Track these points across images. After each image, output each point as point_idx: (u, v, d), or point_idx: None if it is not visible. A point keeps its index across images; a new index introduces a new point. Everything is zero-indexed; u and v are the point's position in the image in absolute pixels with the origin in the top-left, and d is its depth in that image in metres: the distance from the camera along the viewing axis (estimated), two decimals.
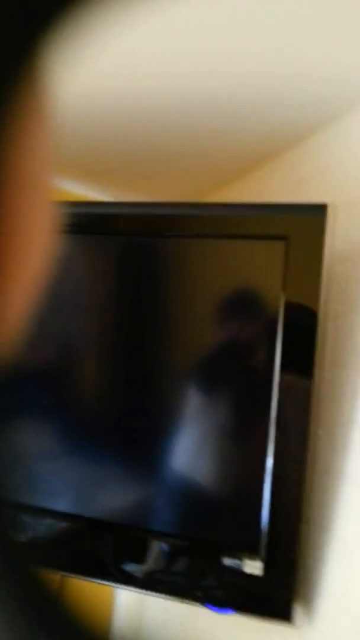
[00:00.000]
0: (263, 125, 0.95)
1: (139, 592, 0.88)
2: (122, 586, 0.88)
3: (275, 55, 0.76)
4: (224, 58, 0.77)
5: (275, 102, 0.88)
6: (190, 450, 0.85)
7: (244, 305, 0.83)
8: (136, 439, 0.89)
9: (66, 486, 0.92)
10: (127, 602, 1.35)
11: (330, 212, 0.77)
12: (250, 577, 0.78)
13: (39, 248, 0.18)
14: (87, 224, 0.90)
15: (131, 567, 0.87)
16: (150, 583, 0.85)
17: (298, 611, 0.77)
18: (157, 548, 0.86)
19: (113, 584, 0.90)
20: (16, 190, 0.16)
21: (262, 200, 0.86)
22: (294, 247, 0.78)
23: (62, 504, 0.91)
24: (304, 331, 0.77)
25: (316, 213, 0.77)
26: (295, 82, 0.82)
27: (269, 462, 0.77)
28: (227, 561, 0.80)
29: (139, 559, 0.86)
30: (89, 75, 0.85)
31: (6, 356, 0.18)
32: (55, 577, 0.96)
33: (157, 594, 0.86)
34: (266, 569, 0.78)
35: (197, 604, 0.82)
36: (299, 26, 0.69)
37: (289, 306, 0.77)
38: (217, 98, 0.88)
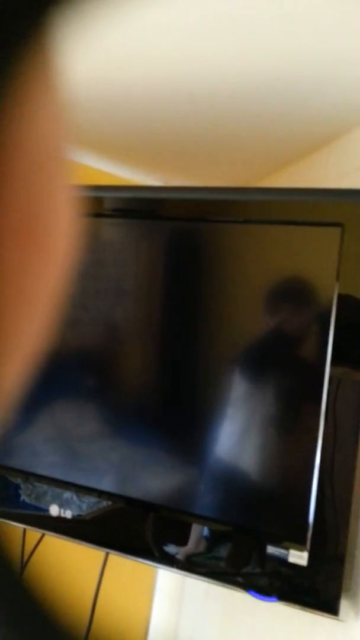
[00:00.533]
0: (318, 110, 0.92)
1: (180, 574, 0.88)
2: (163, 566, 0.89)
3: (331, 39, 0.73)
4: (280, 38, 0.74)
5: (330, 87, 0.85)
6: (237, 437, 0.85)
7: (296, 294, 0.81)
8: (181, 422, 0.89)
9: (110, 466, 0.93)
10: (167, 584, 1.36)
11: None
12: (296, 567, 0.78)
13: (61, 243, 0.17)
14: (136, 208, 0.90)
15: (173, 549, 0.87)
16: (191, 565, 0.86)
17: (344, 605, 0.76)
18: (199, 531, 0.86)
19: (154, 564, 0.91)
20: (28, 169, 0.14)
21: (316, 186, 0.84)
22: (350, 234, 0.75)
23: (106, 484, 0.92)
24: (357, 323, 0.75)
25: None
26: (351, 67, 0.79)
27: (318, 453, 0.76)
28: (272, 549, 0.80)
29: (181, 541, 0.87)
30: (140, 58, 0.83)
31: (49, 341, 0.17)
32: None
33: (198, 577, 0.86)
34: (312, 560, 0.77)
35: (240, 589, 0.82)
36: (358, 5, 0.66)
37: (342, 296, 0.75)
38: (271, 81, 0.85)
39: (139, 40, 0.79)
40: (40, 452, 0.98)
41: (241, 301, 0.86)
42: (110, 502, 0.92)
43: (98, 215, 0.92)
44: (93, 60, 0.86)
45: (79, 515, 0.94)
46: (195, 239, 0.88)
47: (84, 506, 0.94)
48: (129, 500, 0.91)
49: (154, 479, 0.90)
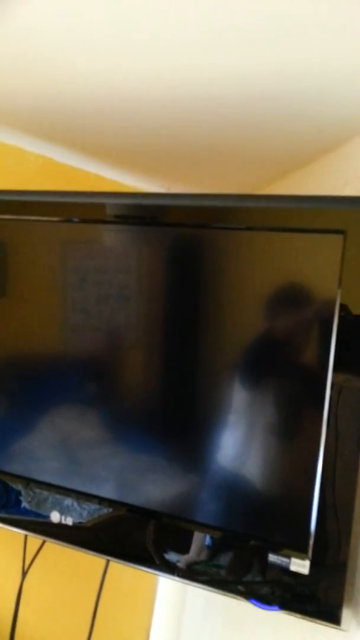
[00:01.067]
0: (320, 118, 0.92)
1: (181, 582, 0.88)
2: (164, 574, 0.88)
3: (333, 50, 0.74)
4: (282, 48, 0.75)
5: (333, 95, 0.85)
6: (238, 444, 0.84)
7: (298, 301, 0.81)
8: (183, 429, 0.89)
9: (111, 473, 0.93)
10: (168, 592, 1.36)
11: None
12: (298, 575, 0.77)
13: None
14: (139, 215, 0.90)
15: (174, 556, 0.87)
16: (192, 573, 0.85)
17: (346, 614, 0.76)
18: (200, 539, 0.86)
19: (155, 572, 0.90)
20: None
21: (319, 193, 0.84)
22: (352, 241, 0.75)
23: (107, 491, 0.92)
24: (359, 330, 0.75)
25: None
26: (354, 76, 0.79)
27: (320, 461, 0.76)
28: (273, 558, 0.79)
29: (182, 548, 0.86)
30: (143, 65, 0.84)
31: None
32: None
33: (199, 585, 0.86)
34: (314, 568, 0.76)
35: (241, 598, 0.82)
36: None
37: (345, 303, 0.75)
38: (274, 90, 0.85)
39: (142, 49, 0.80)
40: (41, 458, 0.98)
41: (243, 308, 0.86)
42: (111, 509, 0.92)
43: (100, 221, 0.92)
44: (93, 67, 0.87)
45: (80, 522, 0.93)
46: (198, 246, 0.89)
47: (85, 513, 0.94)
48: (130, 508, 0.90)
49: (155, 486, 0.90)
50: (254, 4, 0.67)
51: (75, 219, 0.94)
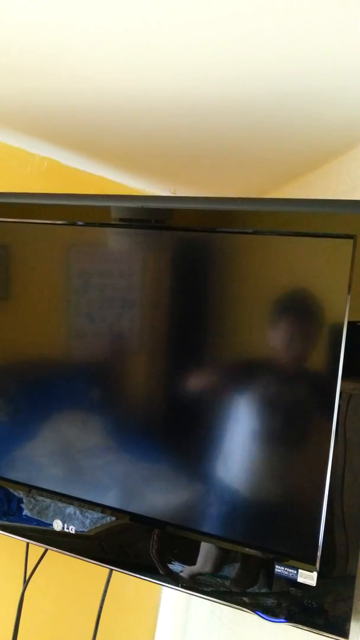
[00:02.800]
0: (330, 121, 0.91)
1: (185, 592, 0.86)
2: (168, 585, 0.87)
3: (344, 51, 0.72)
4: (291, 49, 0.73)
5: (343, 98, 0.84)
6: (245, 453, 0.83)
7: (306, 307, 0.80)
8: (187, 438, 0.87)
9: (114, 481, 0.92)
10: (172, 602, 1.34)
11: None
12: (305, 587, 0.76)
13: None
14: (144, 218, 0.89)
15: (178, 567, 0.85)
16: (196, 584, 0.84)
17: (354, 626, 0.74)
18: (205, 550, 0.84)
19: (159, 582, 0.88)
20: None
21: (329, 197, 0.83)
22: None
23: (110, 499, 0.91)
24: None
25: None
26: None
27: (328, 471, 0.74)
28: (280, 569, 0.78)
29: (187, 559, 0.85)
30: (148, 65, 0.83)
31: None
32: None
33: (204, 596, 0.84)
34: (322, 580, 0.75)
35: (247, 610, 0.80)
36: None
37: (354, 309, 0.74)
38: (283, 92, 0.84)
39: (148, 49, 0.79)
40: (43, 465, 0.96)
41: (250, 314, 0.84)
42: (114, 518, 0.90)
43: (105, 225, 0.91)
44: (98, 69, 0.86)
45: (82, 531, 0.92)
46: (204, 250, 0.87)
47: (87, 522, 0.92)
48: (134, 516, 0.89)
49: (159, 495, 0.88)
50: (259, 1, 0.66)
51: (80, 222, 0.93)
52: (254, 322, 0.84)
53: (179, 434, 0.88)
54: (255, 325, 0.84)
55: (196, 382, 0.87)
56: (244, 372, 0.84)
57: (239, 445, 0.83)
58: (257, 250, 0.82)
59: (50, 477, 0.95)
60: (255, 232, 0.82)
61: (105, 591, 1.01)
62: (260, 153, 1.08)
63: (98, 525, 0.92)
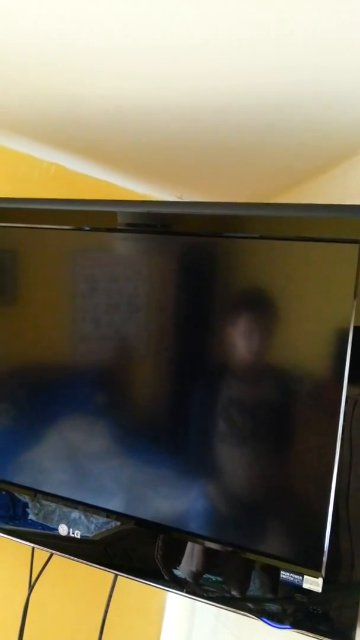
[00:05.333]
0: (336, 126, 0.91)
1: (190, 598, 0.86)
2: (173, 590, 0.87)
3: (351, 56, 0.72)
4: (297, 53, 0.74)
5: (350, 102, 0.84)
6: (250, 458, 0.82)
7: (312, 311, 0.80)
8: (192, 442, 0.87)
9: (119, 486, 0.92)
10: (177, 607, 1.33)
11: None
12: (310, 593, 0.75)
13: None
14: (150, 223, 0.89)
15: (183, 572, 0.85)
16: (201, 590, 0.84)
17: (359, 633, 0.73)
18: (210, 555, 0.84)
19: (164, 587, 0.88)
20: None
21: (335, 202, 0.83)
22: None
23: (115, 504, 0.91)
24: None
25: None
26: None
27: (334, 476, 0.74)
28: (285, 575, 0.77)
29: (192, 564, 0.85)
30: (154, 71, 0.83)
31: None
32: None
33: (209, 602, 0.84)
34: (327, 587, 0.74)
35: (252, 616, 0.80)
36: None
37: None
38: (289, 97, 0.84)
39: (153, 56, 0.79)
40: (48, 470, 0.96)
41: (255, 318, 0.84)
42: (119, 523, 0.90)
43: (112, 230, 0.91)
44: (104, 74, 0.86)
45: (88, 536, 0.92)
46: (210, 255, 0.87)
47: (93, 526, 0.92)
48: (139, 521, 0.89)
49: (164, 500, 0.88)
50: (266, 11, 0.66)
51: (86, 227, 0.93)
52: (259, 326, 0.84)
53: (185, 438, 0.88)
54: (260, 330, 0.83)
55: (202, 387, 0.87)
56: (250, 377, 0.84)
57: (245, 450, 0.83)
58: (262, 255, 0.82)
59: (56, 481, 0.95)
60: (261, 237, 0.82)
61: (110, 596, 1.00)
62: (266, 158, 1.08)
63: (103, 530, 0.92)
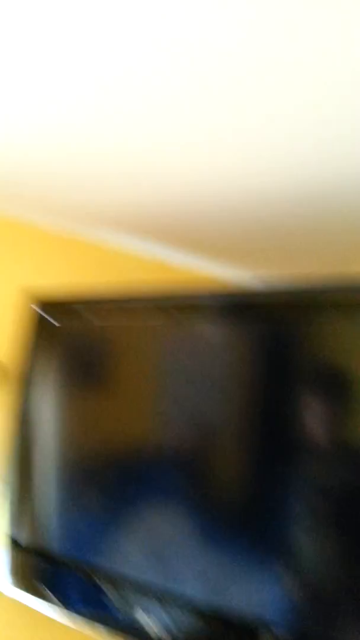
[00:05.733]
0: None
1: None
2: None
3: None
4: None
5: None
6: (340, 545, 0.76)
7: None
8: (279, 529, 0.81)
9: (203, 577, 0.87)
10: None
11: None
12: None
13: None
14: (233, 308, 0.89)
15: None
16: None
17: None
18: None
19: None
20: None
21: None
22: None
23: (198, 594, 0.85)
24: None
25: None
26: None
27: None
28: None
29: None
30: (236, 162, 0.86)
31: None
32: None
33: None
34: None
35: None
36: None
37: None
38: None
39: (235, 148, 0.82)
40: (131, 557, 0.94)
41: (341, 403, 0.80)
42: (204, 623, 0.84)
43: (193, 313, 0.92)
44: (195, 168, 0.89)
45: (171, 629, 0.86)
46: (292, 339, 0.85)
47: (174, 621, 0.86)
48: (227, 624, 0.82)
49: (254, 594, 0.82)
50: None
51: (174, 314, 0.94)
52: (344, 411, 0.80)
53: (270, 524, 0.82)
54: (345, 414, 0.79)
55: (287, 474, 0.83)
56: (332, 463, 0.79)
57: (333, 536, 0.77)
58: (350, 335, 0.79)
59: (138, 567, 0.92)
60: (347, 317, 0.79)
61: None
62: (344, 234, 1.08)
63: (190, 630, 0.86)
